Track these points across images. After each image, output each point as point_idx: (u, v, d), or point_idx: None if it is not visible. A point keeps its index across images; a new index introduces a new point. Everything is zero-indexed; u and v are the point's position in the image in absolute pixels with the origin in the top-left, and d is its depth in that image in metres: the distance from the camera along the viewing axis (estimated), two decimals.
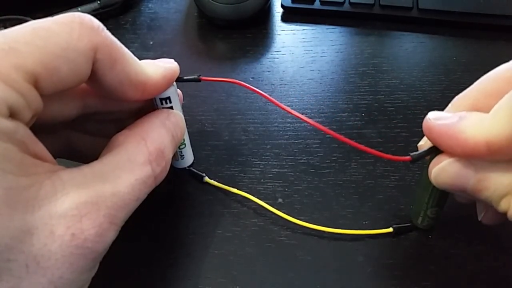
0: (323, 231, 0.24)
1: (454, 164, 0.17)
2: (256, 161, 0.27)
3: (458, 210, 0.25)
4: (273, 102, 0.22)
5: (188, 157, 0.25)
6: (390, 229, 0.24)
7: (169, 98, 0.21)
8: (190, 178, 0.26)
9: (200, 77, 0.23)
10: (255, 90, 0.22)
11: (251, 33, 0.33)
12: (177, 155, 0.24)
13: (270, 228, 0.24)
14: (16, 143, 0.14)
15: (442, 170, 0.17)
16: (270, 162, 0.27)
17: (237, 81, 0.23)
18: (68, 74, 0.15)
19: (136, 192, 0.17)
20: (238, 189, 0.25)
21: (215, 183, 0.25)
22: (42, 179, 0.14)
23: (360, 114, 0.29)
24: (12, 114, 0.14)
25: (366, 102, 0.29)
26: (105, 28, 0.17)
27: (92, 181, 0.15)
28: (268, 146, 0.27)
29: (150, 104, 0.22)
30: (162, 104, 0.21)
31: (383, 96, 0.29)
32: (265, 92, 0.29)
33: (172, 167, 0.24)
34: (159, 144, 0.18)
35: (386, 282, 0.23)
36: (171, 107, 0.22)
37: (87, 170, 0.16)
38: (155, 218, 0.25)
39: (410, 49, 0.27)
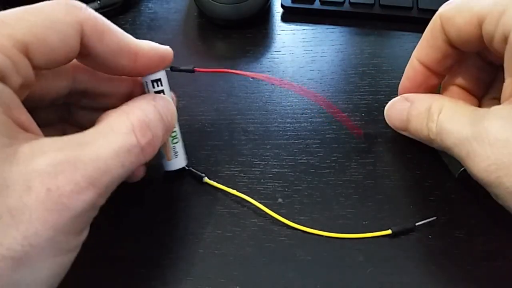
0: (324, 231, 0.24)
1: (395, 100, 0.26)
2: (256, 161, 0.27)
3: (458, 210, 0.25)
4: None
5: (182, 156, 0.24)
6: (389, 231, 0.24)
7: (160, 80, 0.21)
8: (190, 178, 0.26)
9: (194, 68, 0.23)
10: (247, 74, 0.23)
11: (251, 33, 0.33)
12: (170, 150, 0.24)
13: (270, 228, 0.24)
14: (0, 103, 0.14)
15: (389, 106, 0.26)
16: (270, 162, 0.27)
17: (230, 70, 0.23)
18: (58, 45, 0.16)
19: (120, 159, 0.16)
20: (237, 190, 0.25)
21: (215, 183, 0.25)
22: (21, 142, 0.15)
23: (360, 114, 0.29)
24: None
25: (366, 102, 0.29)
26: (88, 8, 0.17)
27: (71, 145, 0.16)
28: (268, 146, 0.27)
29: (141, 92, 0.22)
30: (153, 87, 0.21)
31: (383, 96, 0.29)
32: (266, 92, 0.30)
33: (169, 171, 0.24)
34: (142, 117, 0.18)
35: (386, 282, 0.23)
36: (162, 91, 0.22)
37: (67, 137, 0.16)
38: (155, 218, 0.25)
39: (410, 49, 0.26)
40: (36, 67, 0.16)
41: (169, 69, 0.22)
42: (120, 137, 0.17)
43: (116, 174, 0.17)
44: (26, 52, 0.15)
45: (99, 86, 0.22)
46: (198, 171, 0.26)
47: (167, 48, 0.21)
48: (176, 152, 0.24)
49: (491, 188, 0.18)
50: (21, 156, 0.14)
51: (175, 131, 0.23)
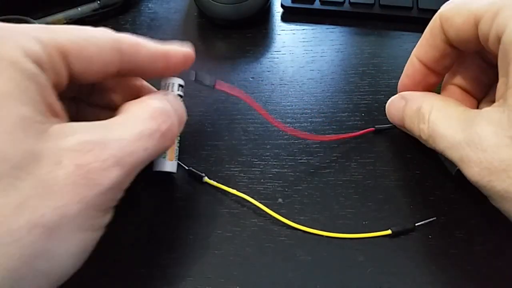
0: (324, 231, 0.24)
1: (394, 97, 0.26)
2: (256, 161, 0.27)
3: (458, 210, 0.25)
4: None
5: (176, 161, 0.25)
6: (389, 231, 0.24)
7: (183, 86, 0.23)
8: (190, 178, 0.26)
9: (215, 85, 0.24)
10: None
11: (251, 33, 0.33)
12: (174, 150, 0.24)
13: (270, 228, 0.24)
14: (36, 85, 0.15)
15: (388, 104, 0.26)
16: (270, 162, 0.27)
17: (246, 98, 0.25)
18: (96, 57, 0.18)
19: (143, 142, 0.17)
20: (237, 189, 0.25)
21: (215, 183, 0.25)
22: (53, 122, 0.16)
23: (360, 114, 0.29)
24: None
25: (366, 102, 0.29)
26: None
27: (98, 128, 0.17)
28: (268, 146, 0.27)
29: (148, 88, 0.24)
30: (178, 89, 0.23)
31: (383, 96, 0.29)
32: (266, 92, 0.30)
33: (159, 172, 0.24)
34: (161, 105, 0.19)
35: (386, 282, 0.23)
36: (181, 96, 0.23)
37: (93, 123, 0.17)
38: (155, 218, 0.25)
39: (410, 49, 0.26)
40: (73, 75, 0.18)
41: (193, 79, 0.24)
42: (141, 121, 0.18)
43: (140, 157, 0.17)
44: (65, 57, 0.17)
45: (107, 81, 0.23)
46: (198, 171, 0.26)
47: (189, 48, 0.23)
48: (176, 156, 0.24)
49: (484, 190, 0.19)
50: (53, 134, 0.15)
51: (179, 136, 0.24)
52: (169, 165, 0.24)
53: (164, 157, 0.24)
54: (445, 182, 0.26)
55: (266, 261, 0.23)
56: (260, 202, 0.25)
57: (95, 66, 0.18)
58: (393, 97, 0.26)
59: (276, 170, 0.26)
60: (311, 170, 0.26)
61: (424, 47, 0.24)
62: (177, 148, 0.24)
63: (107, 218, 0.17)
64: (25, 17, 0.31)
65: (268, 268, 0.23)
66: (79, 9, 0.32)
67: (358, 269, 0.23)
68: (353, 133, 0.27)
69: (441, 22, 0.22)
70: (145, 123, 0.18)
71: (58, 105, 0.17)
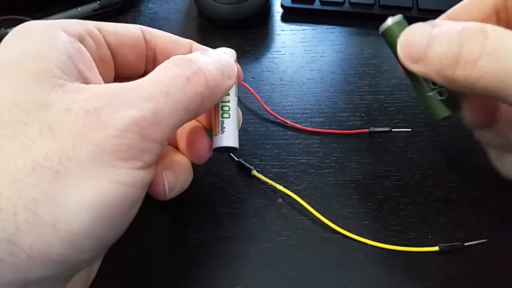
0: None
1: (415, 25, 0.20)
2: (256, 161, 0.27)
3: (458, 210, 0.25)
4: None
5: (230, 135, 0.21)
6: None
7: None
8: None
9: None
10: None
11: (251, 33, 0.33)
12: (218, 124, 0.21)
13: (270, 228, 0.24)
14: (65, 48, 0.16)
15: (406, 32, 0.20)
16: (270, 162, 0.27)
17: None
18: (125, 31, 0.20)
19: (163, 85, 0.16)
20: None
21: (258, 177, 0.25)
22: (73, 81, 0.16)
23: (360, 114, 0.29)
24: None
25: (366, 102, 0.29)
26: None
27: (116, 84, 0.16)
28: (268, 146, 0.27)
29: None
30: None
31: (383, 96, 0.29)
32: (266, 92, 0.30)
33: (217, 149, 0.21)
34: (182, 55, 0.18)
35: (386, 282, 0.23)
36: None
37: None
38: (155, 219, 0.25)
39: None
40: (113, 51, 0.20)
41: None
42: (160, 71, 0.17)
43: (161, 102, 0.16)
44: (101, 30, 0.19)
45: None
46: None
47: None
48: (223, 128, 0.21)
49: None
50: (70, 89, 0.15)
51: (227, 106, 0.21)
52: (217, 139, 0.21)
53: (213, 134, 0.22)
54: (445, 182, 0.26)
55: (266, 261, 0.23)
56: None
57: (126, 39, 0.20)
58: (413, 25, 0.20)
59: (276, 170, 0.26)
60: (311, 170, 0.26)
61: None
62: (223, 119, 0.21)
63: (135, 172, 0.15)
64: (25, 17, 0.31)
65: (268, 268, 0.23)
66: (79, 9, 0.32)
67: (358, 269, 0.23)
68: (347, 131, 0.27)
69: None
70: (163, 71, 0.17)
71: (91, 75, 0.17)
